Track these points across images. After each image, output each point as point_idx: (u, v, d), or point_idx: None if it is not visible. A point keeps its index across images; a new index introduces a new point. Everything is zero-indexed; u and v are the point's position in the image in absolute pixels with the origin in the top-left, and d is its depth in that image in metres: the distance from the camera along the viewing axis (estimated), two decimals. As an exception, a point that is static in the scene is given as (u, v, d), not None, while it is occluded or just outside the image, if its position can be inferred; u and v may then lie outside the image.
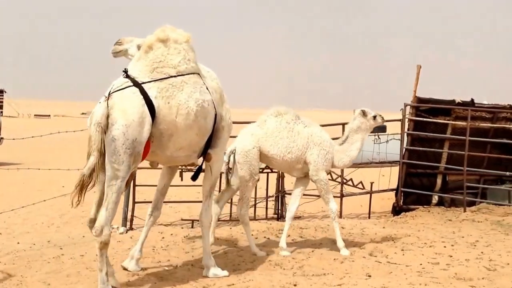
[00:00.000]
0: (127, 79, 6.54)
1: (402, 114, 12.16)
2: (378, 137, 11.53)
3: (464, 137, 11.76)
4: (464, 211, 11.64)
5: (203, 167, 7.36)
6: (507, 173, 12.04)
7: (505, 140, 12.57)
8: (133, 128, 6.22)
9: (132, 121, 6.23)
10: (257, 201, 11.29)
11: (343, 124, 11.19)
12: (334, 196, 11.16)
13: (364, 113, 8.63)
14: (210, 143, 7.15)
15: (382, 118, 8.84)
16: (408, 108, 12.27)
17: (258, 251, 8.23)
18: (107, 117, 6.20)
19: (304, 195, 12.06)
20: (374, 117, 8.67)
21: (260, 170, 11.41)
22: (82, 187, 6.17)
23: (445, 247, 8.54)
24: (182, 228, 10.24)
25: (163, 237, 9.08)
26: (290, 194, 11.87)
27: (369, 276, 7.08)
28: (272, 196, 11.58)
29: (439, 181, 12.69)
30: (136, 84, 6.48)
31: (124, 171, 6.20)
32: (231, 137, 7.79)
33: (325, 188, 8.53)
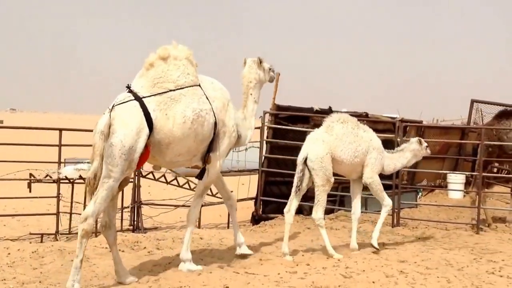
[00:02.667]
0: (129, 94, 7.30)
1: (261, 122, 12.09)
2: (237, 145, 11.34)
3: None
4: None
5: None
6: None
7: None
8: (130, 137, 6.97)
9: (130, 131, 6.99)
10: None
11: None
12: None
13: (420, 142, 9.47)
14: (212, 146, 7.89)
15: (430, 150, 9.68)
16: (267, 115, 12.23)
17: (334, 253, 8.53)
18: (109, 126, 6.98)
19: (161, 205, 11.84)
20: (427, 147, 9.51)
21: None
22: (91, 188, 6.95)
23: (303, 255, 8.49)
24: (30, 242, 9.65)
25: (9, 253, 8.46)
26: (146, 204, 11.58)
27: (227, 287, 6.89)
28: (128, 207, 11.20)
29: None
30: (137, 98, 7.23)
31: (117, 173, 6.94)
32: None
33: (379, 188, 9.07)
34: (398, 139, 11.55)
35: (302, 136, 12.40)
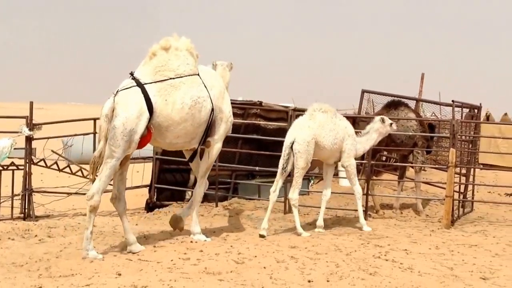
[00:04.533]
0: (132, 80, 8.10)
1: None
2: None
3: (216, 133, 11.89)
4: (216, 206, 11.81)
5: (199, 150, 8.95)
6: (257, 168, 12.37)
7: (255, 136, 12.89)
8: (131, 120, 7.79)
9: (131, 114, 7.80)
10: (1, 200, 10.59)
11: (95, 119, 10.98)
12: (85, 194, 10.86)
13: (383, 120, 10.31)
14: (209, 132, 8.70)
15: (396, 126, 10.66)
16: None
17: (303, 231, 9.40)
18: (113, 110, 7.81)
19: (53, 192, 11.63)
20: (391, 124, 10.39)
21: (5, 167, 10.79)
22: (95, 166, 7.91)
23: (196, 242, 8.55)
24: None
25: None
26: (38, 192, 11.33)
27: (119, 274, 6.88)
28: (18, 195, 10.93)
29: (192, 176, 12.71)
30: (139, 84, 8.03)
31: (119, 153, 7.80)
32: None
33: (354, 172, 10.07)
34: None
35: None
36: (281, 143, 11.18)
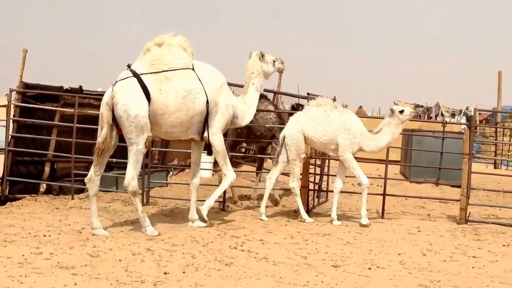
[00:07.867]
0: (129, 72, 8.73)
1: (7, 100, 11.63)
2: (-18, 124, 10.85)
3: (72, 124, 11.64)
4: (72, 198, 11.56)
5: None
6: (114, 160, 12.17)
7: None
8: (132, 106, 8.43)
9: (130, 101, 8.44)
10: None
11: None
12: None
13: (392, 111, 10.23)
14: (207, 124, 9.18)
15: (411, 110, 10.41)
16: (14, 93, 11.78)
17: (307, 217, 10.32)
18: (112, 98, 8.46)
19: None
20: (401, 111, 10.21)
21: None
22: (99, 151, 8.48)
23: (50, 236, 8.33)
24: None
25: None
26: None
27: (-36, 272, 6.56)
28: None
29: (47, 169, 12.42)
30: (136, 75, 8.67)
31: (135, 138, 8.47)
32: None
33: (351, 166, 10.21)
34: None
35: (51, 115, 12.17)
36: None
